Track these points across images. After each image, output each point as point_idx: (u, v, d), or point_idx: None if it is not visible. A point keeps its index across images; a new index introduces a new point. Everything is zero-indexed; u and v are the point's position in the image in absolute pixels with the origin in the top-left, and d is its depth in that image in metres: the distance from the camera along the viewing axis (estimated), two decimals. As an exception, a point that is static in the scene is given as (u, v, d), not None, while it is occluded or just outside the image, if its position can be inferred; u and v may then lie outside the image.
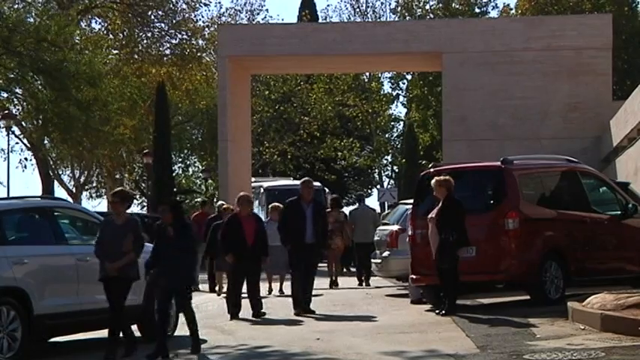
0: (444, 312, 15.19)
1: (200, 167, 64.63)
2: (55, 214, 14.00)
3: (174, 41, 52.16)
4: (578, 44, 37.05)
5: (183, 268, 12.81)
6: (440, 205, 15.34)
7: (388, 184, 69.65)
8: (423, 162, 55.09)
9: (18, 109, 45.87)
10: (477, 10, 63.53)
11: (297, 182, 43.33)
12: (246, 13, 59.54)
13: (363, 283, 24.52)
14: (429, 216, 15.55)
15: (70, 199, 51.18)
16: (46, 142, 46.87)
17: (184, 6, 52.21)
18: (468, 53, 37.28)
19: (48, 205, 14.46)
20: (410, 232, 17.08)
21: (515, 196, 16.16)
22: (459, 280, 15.38)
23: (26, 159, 50.21)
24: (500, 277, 16.14)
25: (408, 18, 61.53)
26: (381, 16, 66.63)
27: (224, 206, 22.08)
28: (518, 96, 36.87)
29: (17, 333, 12.60)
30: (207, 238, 20.59)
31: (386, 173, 72.65)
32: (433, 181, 15.58)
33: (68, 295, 13.25)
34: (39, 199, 15.32)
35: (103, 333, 14.38)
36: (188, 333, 12.96)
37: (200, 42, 52.72)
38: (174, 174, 51.61)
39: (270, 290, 21.92)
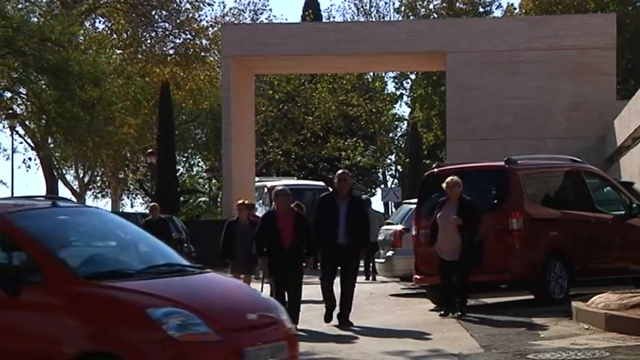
0: (459, 313, 15.00)
1: (204, 167, 64.63)
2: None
3: (177, 41, 52.20)
4: (582, 44, 37.03)
5: None
6: (458, 206, 15.09)
7: (392, 183, 69.67)
8: (427, 162, 55.10)
9: (22, 109, 45.91)
10: (481, 10, 63.55)
11: (301, 182, 43.32)
12: (250, 12, 59.59)
13: (370, 278, 25.90)
14: (439, 215, 15.25)
15: (74, 199, 51.23)
16: (49, 141, 46.90)
17: (188, 6, 52.25)
18: (472, 53, 37.27)
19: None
20: (413, 232, 17.06)
21: (519, 196, 16.15)
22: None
23: (30, 159, 50.33)
24: (505, 276, 16.13)
25: (411, 17, 61.52)
26: (384, 16, 66.65)
27: (238, 202, 20.64)
28: (521, 95, 36.85)
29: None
30: (222, 239, 20.16)
31: (390, 173, 72.72)
32: (447, 181, 15.35)
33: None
34: (43, 199, 15.28)
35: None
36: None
37: (204, 42, 52.73)
38: (178, 174, 51.61)
39: None
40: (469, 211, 15.02)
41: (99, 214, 9.75)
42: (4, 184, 50.73)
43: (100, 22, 54.21)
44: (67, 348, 7.48)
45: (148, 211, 27.97)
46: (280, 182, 41.22)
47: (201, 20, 53.28)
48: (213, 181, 58.10)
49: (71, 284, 7.74)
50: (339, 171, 15.58)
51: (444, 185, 15.39)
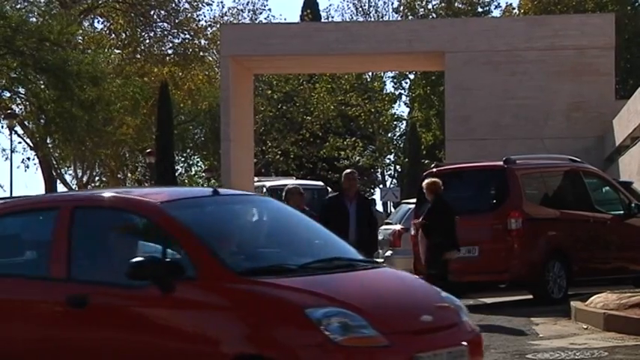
0: None
1: (203, 167, 64.65)
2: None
3: (176, 41, 52.22)
4: (581, 44, 37.01)
5: None
6: (428, 208, 14.88)
7: (391, 183, 69.67)
8: (426, 161, 55.11)
9: (21, 109, 45.89)
10: (480, 10, 63.55)
11: (300, 182, 43.46)
12: (249, 12, 59.56)
13: None
14: (414, 220, 15.24)
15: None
16: (48, 141, 46.90)
17: (187, 5, 52.28)
18: (471, 53, 37.24)
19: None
20: (412, 232, 17.04)
21: (517, 195, 16.15)
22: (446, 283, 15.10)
23: (29, 158, 50.32)
24: (503, 276, 16.13)
25: (410, 17, 61.51)
26: (383, 16, 66.66)
27: None
28: (520, 95, 36.83)
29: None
30: None
31: (389, 173, 72.74)
32: (423, 185, 15.27)
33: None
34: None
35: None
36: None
37: (202, 42, 52.74)
38: (176, 174, 51.61)
39: None
40: (436, 212, 14.49)
41: (264, 202, 8.92)
42: (1, 187, 50.69)
43: (98, 22, 54.30)
44: (223, 349, 6.86)
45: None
46: (279, 182, 41.22)
47: (199, 20, 53.34)
48: (212, 181, 58.10)
49: (225, 281, 7.06)
50: (347, 170, 14.89)
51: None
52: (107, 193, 8.24)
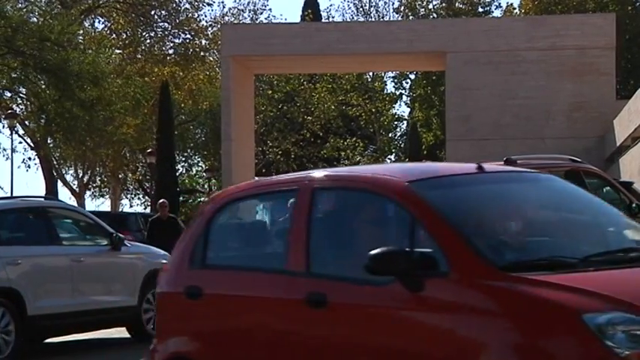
0: None
1: (203, 167, 64.65)
2: (50, 214, 13.92)
3: (177, 41, 52.23)
4: (582, 44, 37.01)
5: None
6: None
7: (392, 183, 69.54)
8: (427, 162, 55.05)
9: (21, 109, 45.88)
10: (481, 10, 63.52)
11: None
12: (250, 12, 59.63)
13: None
14: None
15: (73, 199, 51.31)
16: (49, 141, 46.90)
17: (187, 5, 52.29)
18: (472, 53, 37.23)
19: (42, 205, 14.39)
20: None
21: (518, 195, 16.10)
22: None
23: (29, 158, 50.33)
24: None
25: (411, 17, 61.49)
26: (384, 16, 66.64)
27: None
28: (521, 95, 36.83)
29: (10, 334, 12.54)
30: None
31: (389, 173, 72.60)
32: None
33: (62, 295, 13.18)
34: (34, 199, 15.19)
35: (99, 334, 14.35)
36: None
37: (203, 42, 52.76)
38: (177, 173, 51.60)
39: None
40: None
41: (543, 180, 7.22)
42: (2, 188, 50.74)
43: (99, 22, 54.31)
44: None
45: (147, 211, 27.98)
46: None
47: (200, 20, 53.36)
48: (213, 180, 58.09)
49: (484, 277, 5.79)
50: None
51: None
52: (348, 172, 7.22)
